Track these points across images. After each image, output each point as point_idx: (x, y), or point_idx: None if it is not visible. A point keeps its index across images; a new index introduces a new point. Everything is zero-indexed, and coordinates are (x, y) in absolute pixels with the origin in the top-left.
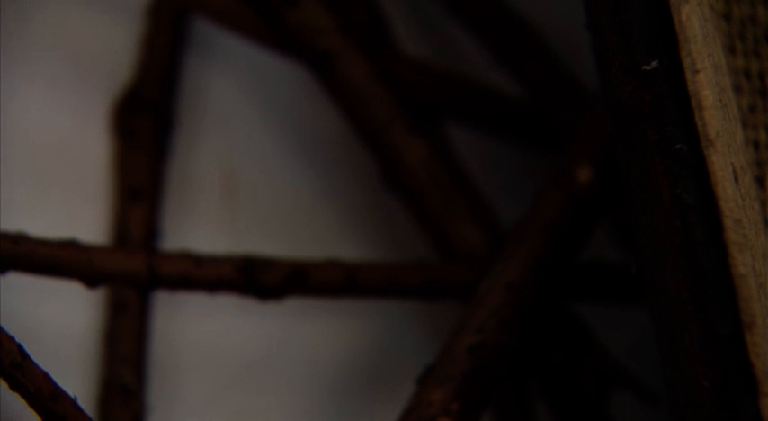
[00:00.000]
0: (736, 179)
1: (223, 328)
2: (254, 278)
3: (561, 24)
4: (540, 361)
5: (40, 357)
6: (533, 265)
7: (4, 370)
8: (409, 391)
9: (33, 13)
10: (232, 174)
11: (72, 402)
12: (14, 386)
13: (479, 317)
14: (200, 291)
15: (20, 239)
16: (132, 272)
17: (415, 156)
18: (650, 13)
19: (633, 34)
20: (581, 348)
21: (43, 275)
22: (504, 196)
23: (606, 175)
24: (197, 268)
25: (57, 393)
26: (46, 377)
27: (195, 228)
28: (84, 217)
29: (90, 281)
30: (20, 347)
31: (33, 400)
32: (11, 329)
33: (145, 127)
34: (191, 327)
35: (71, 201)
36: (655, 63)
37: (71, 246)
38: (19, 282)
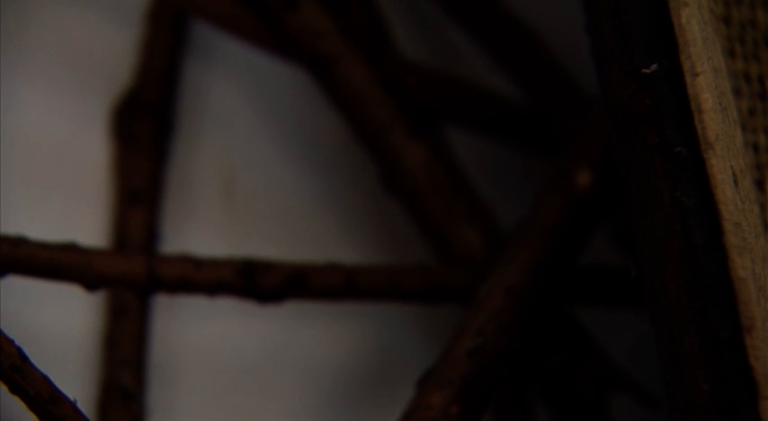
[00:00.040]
0: (735, 182)
1: (223, 332)
2: (253, 281)
3: (561, 27)
4: (540, 364)
5: (40, 360)
6: (533, 269)
7: (3, 373)
8: (409, 394)
9: (33, 17)
10: (232, 177)
11: (72, 405)
12: (14, 389)
13: (479, 321)
14: (199, 295)
15: (20, 243)
16: (132, 275)
17: (414, 159)
18: (650, 16)
19: (633, 37)
20: (581, 351)
21: (43, 278)
22: (504, 199)
23: (606, 179)
24: (197, 271)
25: (56, 396)
26: (46, 380)
27: (195, 231)
28: (83, 220)
29: (90, 284)
30: (19, 350)
31: (33, 403)
32: (11, 332)
33: (144, 130)
34: (190, 331)
35: (71, 204)
36: (654, 66)
37: (71, 249)
38: (19, 285)
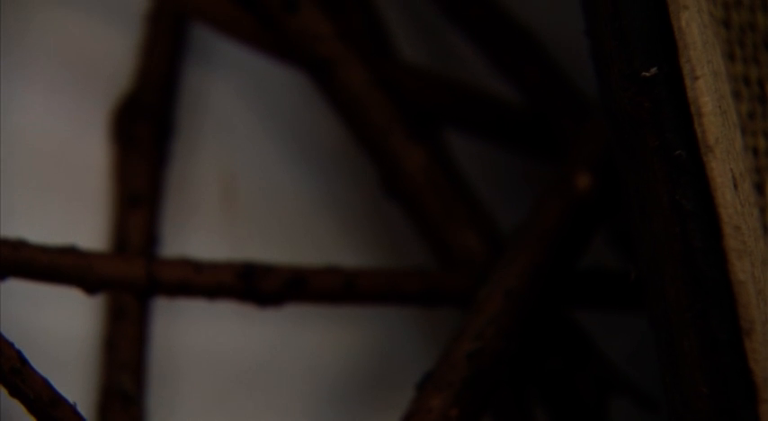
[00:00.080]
0: (735, 186)
1: (222, 335)
2: (253, 284)
3: (560, 31)
4: (540, 367)
5: (40, 363)
6: (533, 272)
7: (3, 376)
8: (408, 398)
9: (32, 20)
10: (231, 180)
11: (71, 408)
12: (14, 392)
13: (479, 324)
14: (199, 298)
15: (19, 246)
16: (132, 278)
17: (414, 162)
18: (649, 20)
19: (632, 41)
20: (580, 355)
21: (43, 282)
22: (504, 203)
23: (605, 182)
24: (196, 274)
25: (56, 399)
26: (45, 383)
27: (194, 234)
28: (83, 223)
29: (89, 287)
30: (19, 353)
31: (33, 407)
32: (10, 336)
33: (144, 133)
34: (190, 334)
35: (71, 207)
36: (654, 69)
37: (71, 252)
38: (18, 288)
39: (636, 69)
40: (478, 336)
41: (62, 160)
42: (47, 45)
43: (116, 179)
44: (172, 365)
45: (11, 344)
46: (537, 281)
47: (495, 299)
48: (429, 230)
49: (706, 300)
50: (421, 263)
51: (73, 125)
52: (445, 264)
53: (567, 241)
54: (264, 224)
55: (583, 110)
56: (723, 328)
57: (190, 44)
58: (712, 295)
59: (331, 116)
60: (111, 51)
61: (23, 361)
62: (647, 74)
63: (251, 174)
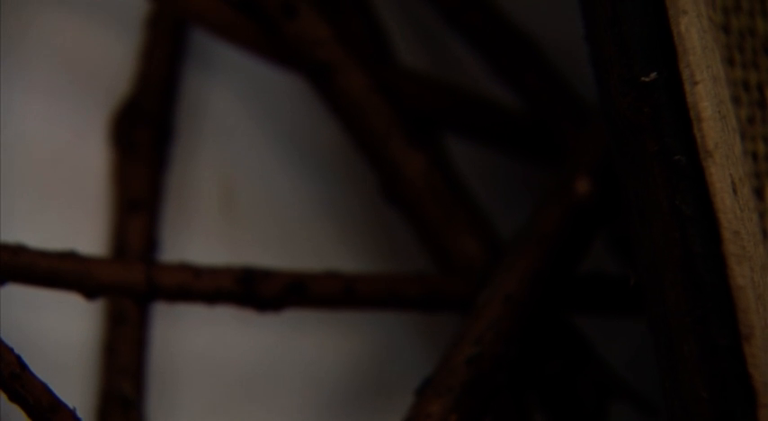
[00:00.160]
0: (734, 190)
1: (222, 340)
2: (252, 289)
3: (560, 36)
4: (539, 372)
5: (39, 368)
6: (532, 277)
7: (3, 381)
8: (408, 403)
9: (32, 24)
10: (231, 185)
11: (71, 413)
12: (13, 397)
13: (478, 329)
14: (198, 303)
15: (19, 251)
16: (131, 283)
17: (413, 168)
18: (649, 25)
19: (632, 46)
20: (579, 359)
21: (42, 287)
22: (503, 208)
23: (605, 187)
24: (196, 279)
25: (56, 404)
26: (45, 388)
27: (194, 239)
28: (83, 228)
29: (89, 292)
30: (19, 358)
31: (32, 412)
32: (10, 341)
33: (144, 138)
34: (189, 339)
35: (70, 212)
36: (653, 74)
37: (70, 257)
38: (18, 293)
39: (635, 74)
40: (478, 341)
41: (61, 165)
42: (46, 49)
43: (115, 184)
44: (171, 370)
45: (10, 350)
46: (536, 286)
47: (494, 304)
48: (428, 235)
49: (705, 305)
50: (420, 268)
51: (72, 129)
52: (445, 270)
53: (567, 246)
54: (264, 229)
55: (582, 115)
56: (722, 333)
57: (189, 49)
58: (712, 300)
59: (330, 121)
60: (110, 56)
61: (23, 366)
62: (647, 79)
63: (250, 179)
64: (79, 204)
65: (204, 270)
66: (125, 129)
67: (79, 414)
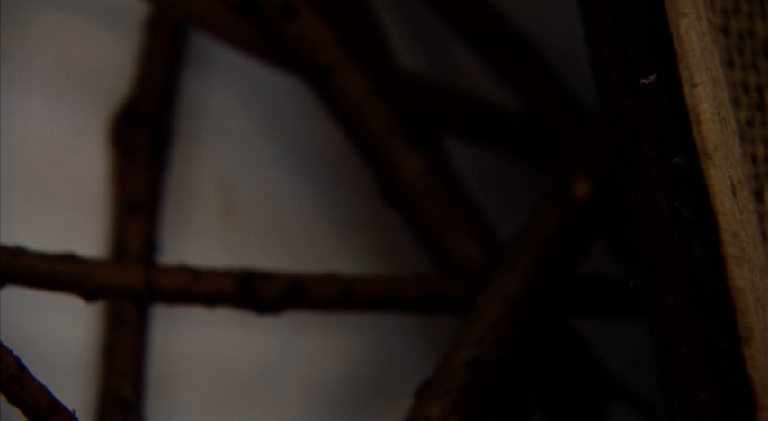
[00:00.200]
0: (734, 193)
1: (221, 342)
2: (252, 291)
3: (559, 38)
4: (538, 374)
5: (39, 371)
6: (531, 279)
7: (2, 383)
8: (407, 405)
9: (31, 26)
10: (230, 187)
11: (70, 415)
12: (13, 399)
13: (477, 331)
14: (198, 305)
15: (18, 253)
16: (130, 285)
17: (413, 169)
18: (648, 27)
19: (631, 48)
20: (579, 362)
21: (42, 289)
22: (502, 210)
23: (604, 189)
24: (195, 282)
25: (55, 406)
26: (44, 390)
27: (193, 241)
28: (82, 230)
29: (88, 294)
30: (18, 361)
31: (31, 414)
32: (9, 343)
33: (143, 140)
34: (189, 341)
35: (69, 214)
36: (653, 77)
37: (69, 259)
38: (17, 295)
39: (634, 76)
40: (477, 344)
41: (61, 167)
42: (46, 51)
43: (115, 186)
44: (171, 372)
45: (10, 352)
46: (536, 288)
47: (493, 306)
48: (428, 237)
49: (705, 308)
50: (419, 270)
51: (72, 132)
52: (444, 272)
53: (566, 248)
54: (263, 231)
55: (581, 117)
56: (722, 336)
57: (189, 51)
58: (711, 302)
59: (330, 123)
60: (110, 58)
61: (22, 368)
62: (646, 81)
63: (250, 181)
64: (79, 206)
65: (203, 272)
66: (124, 131)
67: (78, 416)
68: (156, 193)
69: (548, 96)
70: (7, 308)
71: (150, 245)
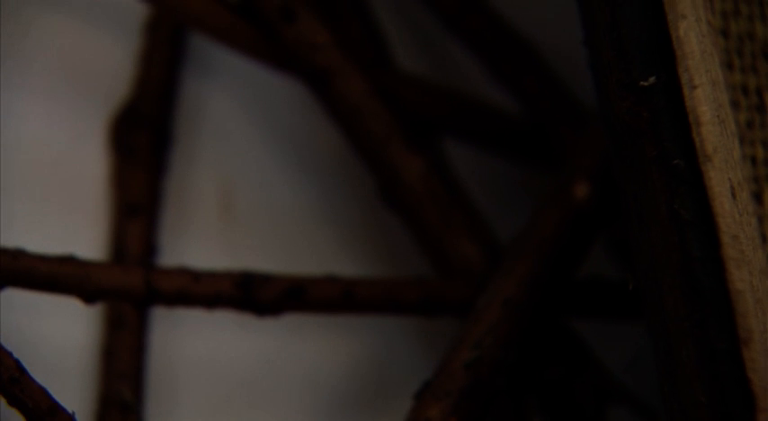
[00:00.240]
0: (733, 195)
1: (221, 344)
2: (251, 294)
3: (559, 40)
4: (538, 376)
5: (38, 373)
6: (531, 281)
7: (2, 385)
8: (407, 407)
9: (31, 29)
10: (230, 189)
11: (70, 417)
12: (12, 401)
13: (477, 333)
14: (197, 307)
15: (18, 255)
16: (130, 287)
17: (412, 172)
18: (648, 29)
19: (630, 50)
20: (578, 364)
21: (41, 291)
22: (502, 212)
23: (604, 191)
24: (195, 284)
25: (55, 409)
26: (44, 392)
27: (193, 243)
28: (82, 233)
29: (88, 296)
30: (18, 363)
31: (31, 416)
32: (9, 345)
33: (142, 143)
34: (188, 343)
35: (69, 216)
36: (652, 79)
37: (69, 261)
38: (17, 297)
39: (634, 79)
40: (477, 346)
41: (60, 169)
42: (45, 53)
43: (114, 188)
44: (170, 374)
45: (9, 354)
46: (535, 290)
47: (493, 308)
48: (427, 240)
49: (704, 310)
50: (419, 272)
51: (71, 134)
52: (443, 274)
53: (566, 250)
54: (263, 233)
55: (581, 119)
56: (721, 338)
57: (188, 53)
58: (710, 304)
59: (329, 125)
60: (109, 60)
61: (22, 370)
62: (646, 83)
63: (249, 184)
64: (78, 209)
65: (203, 274)
66: (124, 133)
67: (78, 418)
68: (155, 195)
69: (547, 98)
70: (7, 310)
71: (150, 247)
